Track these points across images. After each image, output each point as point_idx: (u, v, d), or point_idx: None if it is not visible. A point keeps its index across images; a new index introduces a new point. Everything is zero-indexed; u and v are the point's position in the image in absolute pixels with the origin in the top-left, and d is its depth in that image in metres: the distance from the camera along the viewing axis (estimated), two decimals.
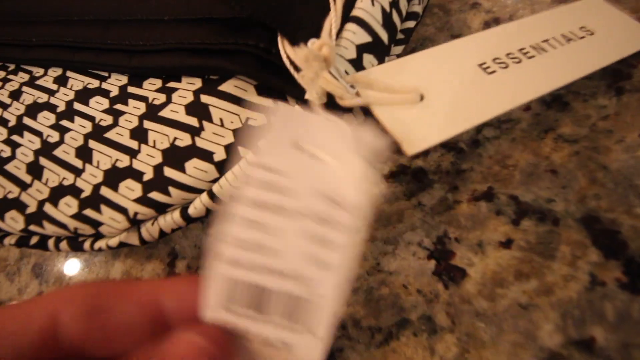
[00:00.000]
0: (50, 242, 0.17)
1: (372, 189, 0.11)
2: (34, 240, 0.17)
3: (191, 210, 0.14)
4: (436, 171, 0.18)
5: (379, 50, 0.15)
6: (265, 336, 0.12)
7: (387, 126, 0.14)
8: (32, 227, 0.17)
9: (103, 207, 0.15)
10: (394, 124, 0.14)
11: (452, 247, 0.16)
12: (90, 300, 0.12)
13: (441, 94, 0.15)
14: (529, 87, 0.15)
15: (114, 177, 0.15)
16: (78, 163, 0.17)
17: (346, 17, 0.15)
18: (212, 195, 0.14)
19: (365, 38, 0.15)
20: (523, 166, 0.17)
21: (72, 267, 0.22)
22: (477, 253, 0.16)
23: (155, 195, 0.14)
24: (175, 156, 0.14)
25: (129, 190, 0.15)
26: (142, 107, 0.16)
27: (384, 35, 0.15)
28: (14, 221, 0.17)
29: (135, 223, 0.15)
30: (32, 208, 0.17)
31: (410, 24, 0.17)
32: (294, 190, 0.11)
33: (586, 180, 0.16)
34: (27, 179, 0.18)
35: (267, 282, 0.11)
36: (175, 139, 0.15)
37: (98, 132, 0.17)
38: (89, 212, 0.15)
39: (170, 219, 0.14)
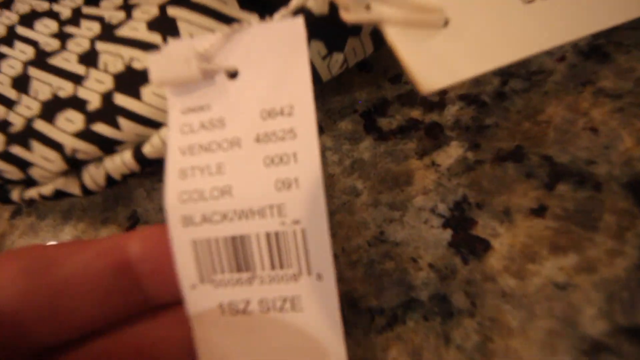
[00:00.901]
0: None
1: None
2: None
3: (147, 149, 0.11)
4: (454, 127, 0.15)
5: None
6: (261, 298, 0.10)
7: (400, 54, 0.11)
8: None
9: (34, 144, 0.12)
10: (408, 52, 0.11)
11: (472, 214, 0.13)
12: (31, 258, 0.09)
13: (469, 20, 0.12)
14: (576, 23, 0.13)
15: (52, 108, 0.12)
16: (12, 94, 0.13)
17: None
18: None
19: None
20: (557, 123, 0.14)
21: (13, 231, 0.19)
22: (504, 222, 0.13)
23: (100, 127, 0.11)
24: (129, 80, 0.11)
25: (68, 122, 0.11)
26: (95, 28, 0.13)
27: None
28: None
29: (74, 165, 0.11)
30: None
31: None
32: (230, 118, 0.09)
33: (632, 140, 0.13)
34: None
35: (237, 228, 0.09)
36: (131, 59, 0.11)
37: (40, 59, 0.14)
38: (16, 150, 0.12)
39: (120, 161, 0.11)
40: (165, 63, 0.10)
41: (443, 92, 0.16)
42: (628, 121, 0.14)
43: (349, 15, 0.11)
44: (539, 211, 0.13)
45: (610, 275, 0.12)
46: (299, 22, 0.09)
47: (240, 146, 0.09)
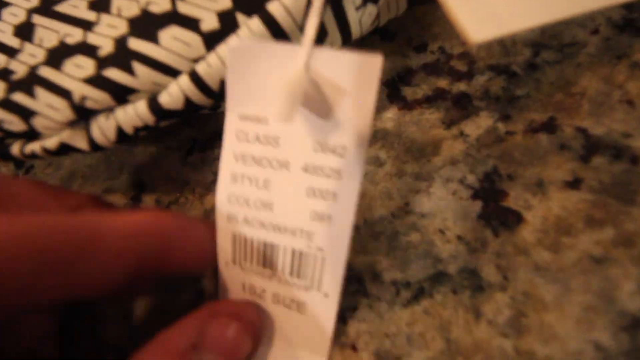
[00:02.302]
0: None
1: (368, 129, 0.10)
2: None
3: (164, 99, 0.10)
4: (483, 97, 0.14)
5: None
6: (275, 292, 0.11)
7: (448, 3, 0.10)
8: None
9: (39, 91, 0.11)
10: (456, 1, 0.10)
11: (503, 186, 0.13)
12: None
13: None
14: None
15: (59, 54, 0.11)
16: (14, 42, 0.12)
17: None
18: (195, 78, 0.10)
19: None
20: (592, 95, 0.13)
21: None
22: (537, 194, 0.12)
23: (113, 73, 0.10)
24: (146, 24, 0.10)
25: (77, 67, 0.10)
26: None
27: None
28: None
29: (82, 115, 0.10)
30: None
31: None
32: (285, 140, 0.10)
33: None
34: None
35: (270, 237, 0.11)
36: (148, 3, 0.10)
37: (46, 6, 0.12)
38: (18, 97, 0.11)
39: (133, 112, 0.10)
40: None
41: (471, 62, 0.15)
42: None
43: None
44: (574, 183, 0.12)
45: None
46: (377, 60, 0.09)
47: (288, 170, 0.10)
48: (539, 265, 0.11)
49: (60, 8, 0.12)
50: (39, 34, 0.12)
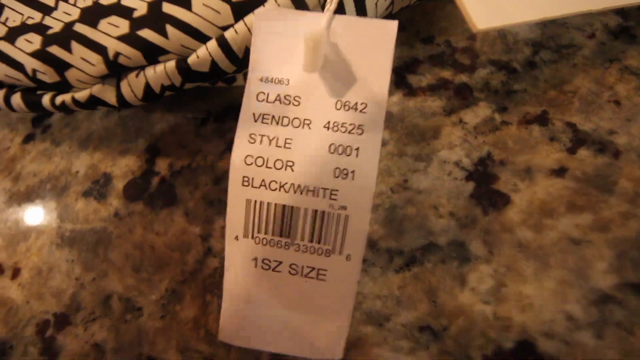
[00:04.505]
0: None
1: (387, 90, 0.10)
2: None
3: (192, 60, 0.11)
4: (483, 89, 0.15)
5: None
6: (293, 263, 0.11)
7: None
8: None
9: (74, 45, 0.11)
10: None
11: (495, 170, 0.14)
12: None
13: None
14: None
15: (94, 14, 0.12)
16: (49, 1, 0.13)
17: None
18: (222, 43, 0.11)
19: None
20: (583, 93, 0.15)
21: (24, 155, 0.18)
22: (524, 179, 0.13)
23: (146, 33, 0.11)
24: None
25: (113, 27, 0.11)
26: None
27: None
28: None
29: (115, 70, 0.11)
30: None
31: None
32: (306, 99, 0.10)
33: None
34: None
35: (290, 200, 0.10)
36: None
37: None
38: (54, 50, 0.12)
39: (162, 70, 0.11)
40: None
41: (475, 56, 0.16)
42: None
43: None
44: (559, 172, 0.13)
45: (623, 235, 0.12)
46: (393, 25, 0.10)
47: (310, 128, 0.10)
48: (522, 243, 0.12)
49: None
50: None
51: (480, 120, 0.15)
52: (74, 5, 0.12)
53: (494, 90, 0.15)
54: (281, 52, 0.10)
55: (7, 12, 0.13)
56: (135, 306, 0.14)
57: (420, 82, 0.16)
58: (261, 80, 0.10)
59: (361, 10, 0.12)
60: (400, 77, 0.16)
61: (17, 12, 0.13)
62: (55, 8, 0.13)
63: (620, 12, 0.16)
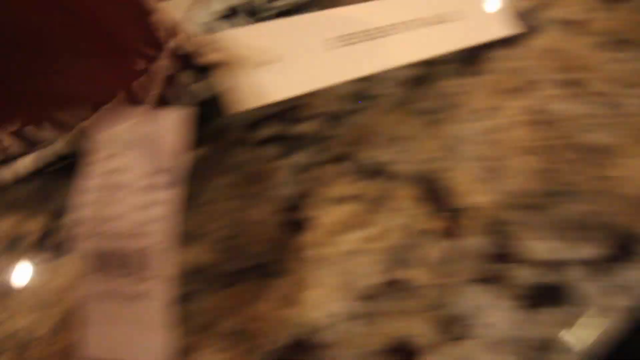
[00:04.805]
0: None
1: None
2: None
3: None
4: (310, 135, 0.19)
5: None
6: (117, 290, 0.14)
7: (230, 84, 0.15)
8: None
9: None
10: (237, 83, 0.16)
11: (304, 201, 0.17)
12: None
13: (291, 59, 0.16)
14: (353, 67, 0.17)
15: None
16: None
17: None
18: None
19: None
20: (382, 134, 0.18)
21: None
22: (325, 207, 0.17)
23: None
24: None
25: None
26: None
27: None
28: None
29: None
30: None
31: None
32: (125, 169, 0.14)
33: (429, 146, 0.18)
34: None
35: (117, 244, 0.14)
36: None
37: None
38: None
39: None
40: None
41: (303, 110, 0.20)
42: (432, 131, 0.18)
43: (203, 58, 0.15)
44: (351, 199, 0.17)
45: (389, 245, 0.16)
46: (188, 111, 0.14)
47: (128, 188, 0.14)
48: (317, 258, 0.16)
49: None
50: None
51: (304, 159, 0.18)
52: None
53: (319, 136, 0.19)
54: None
55: None
56: None
57: (260, 135, 0.20)
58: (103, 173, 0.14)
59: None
60: (252, 130, 0.20)
61: None
62: None
63: (422, 62, 0.20)
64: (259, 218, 0.17)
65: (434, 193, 0.16)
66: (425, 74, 0.20)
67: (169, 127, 0.14)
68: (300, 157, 0.18)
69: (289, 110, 0.20)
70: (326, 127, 0.19)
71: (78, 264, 0.14)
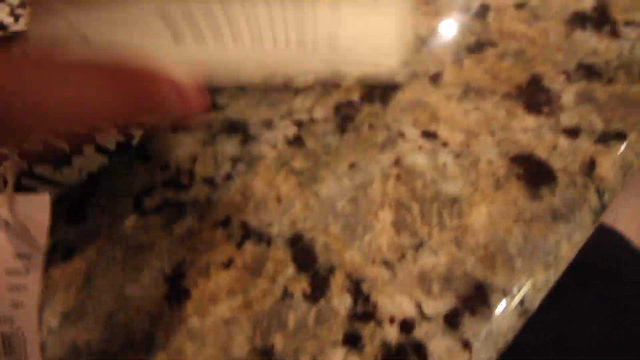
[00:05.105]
0: None
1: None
2: None
3: None
4: (192, 203, 0.20)
5: None
6: None
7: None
8: None
9: None
10: None
11: (185, 270, 0.18)
12: None
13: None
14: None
15: None
16: None
17: None
18: None
19: None
20: (258, 196, 0.19)
21: None
22: (203, 275, 0.17)
23: None
24: None
25: None
26: None
27: None
28: None
29: None
30: None
31: None
32: None
33: (301, 206, 0.18)
34: None
35: None
36: None
37: None
38: None
39: None
40: None
41: (191, 176, 0.21)
42: (302, 192, 0.19)
43: None
44: (228, 264, 0.17)
45: (260, 310, 0.16)
46: (46, 197, 0.15)
47: None
48: (190, 329, 0.16)
49: None
50: None
51: (185, 229, 0.19)
52: None
53: (202, 201, 0.20)
54: None
55: None
56: None
57: (151, 204, 0.20)
58: None
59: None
60: (138, 201, 0.21)
61: None
62: None
63: (298, 123, 0.21)
64: (140, 292, 0.18)
65: (302, 254, 0.17)
66: (299, 134, 0.21)
67: (27, 213, 0.15)
68: (182, 225, 0.19)
69: (174, 178, 0.21)
70: (206, 192, 0.20)
71: None
